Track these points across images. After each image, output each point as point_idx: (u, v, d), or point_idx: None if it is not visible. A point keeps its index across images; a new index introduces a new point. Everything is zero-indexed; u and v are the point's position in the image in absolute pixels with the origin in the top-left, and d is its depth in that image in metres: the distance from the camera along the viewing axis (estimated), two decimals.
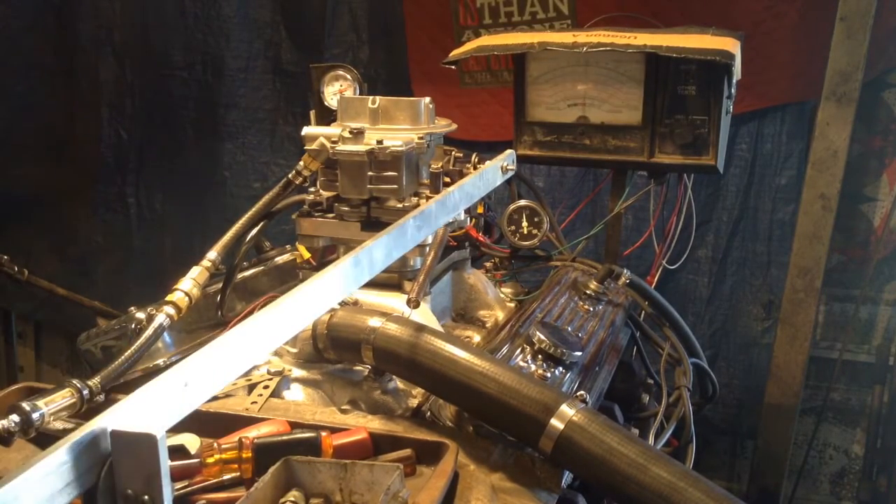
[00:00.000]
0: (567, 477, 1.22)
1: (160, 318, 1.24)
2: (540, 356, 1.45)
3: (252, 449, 1.10)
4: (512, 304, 1.94)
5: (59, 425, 1.13)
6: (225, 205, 3.62)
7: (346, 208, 1.63)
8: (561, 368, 1.45)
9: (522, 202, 2.00)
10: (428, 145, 1.63)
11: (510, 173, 1.64)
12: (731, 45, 1.94)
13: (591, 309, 1.83)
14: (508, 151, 1.64)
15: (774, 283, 3.08)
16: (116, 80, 3.61)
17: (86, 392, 1.06)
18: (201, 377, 0.80)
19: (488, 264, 2.09)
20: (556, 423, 1.14)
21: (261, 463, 1.07)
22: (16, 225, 3.76)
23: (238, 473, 1.10)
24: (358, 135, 1.57)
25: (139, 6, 3.53)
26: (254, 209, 1.53)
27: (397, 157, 1.56)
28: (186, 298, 1.29)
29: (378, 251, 1.11)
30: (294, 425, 1.21)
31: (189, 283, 1.31)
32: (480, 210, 1.96)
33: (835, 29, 2.63)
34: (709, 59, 1.90)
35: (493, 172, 1.58)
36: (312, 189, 1.66)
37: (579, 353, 1.48)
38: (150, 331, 1.22)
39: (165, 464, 0.70)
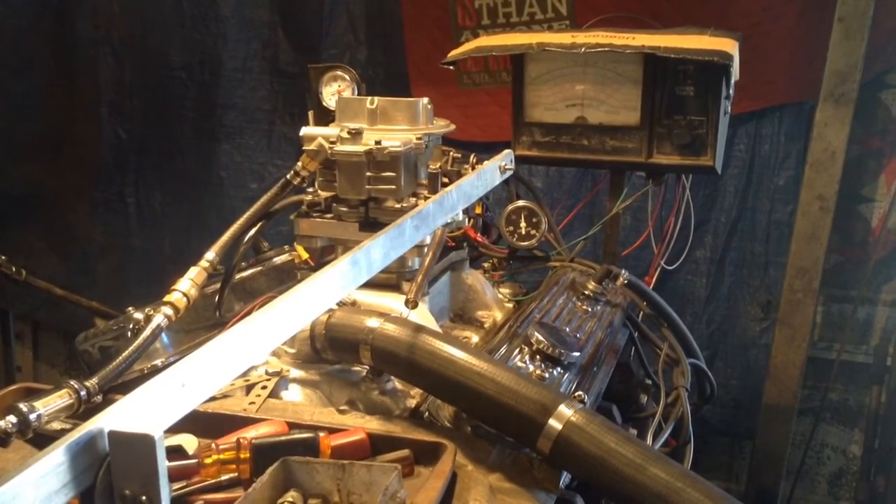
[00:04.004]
0: (565, 477, 1.22)
1: (158, 319, 1.24)
2: (538, 356, 1.45)
3: (250, 449, 1.10)
4: (510, 305, 1.94)
5: (56, 426, 1.13)
6: (222, 205, 3.62)
7: (345, 209, 1.63)
8: (559, 369, 1.45)
9: (521, 202, 2.00)
10: (426, 146, 1.63)
11: (508, 173, 1.63)
12: (730, 46, 1.95)
13: (590, 309, 1.83)
14: (506, 151, 1.64)
15: (772, 283, 3.08)
16: (115, 80, 3.61)
17: (83, 393, 1.06)
18: (199, 377, 0.80)
19: (486, 265, 2.09)
20: (555, 424, 1.14)
21: (259, 463, 1.07)
22: (15, 225, 3.76)
23: (236, 474, 1.10)
24: (356, 135, 1.57)
25: (138, 6, 3.53)
26: (252, 209, 1.53)
27: (395, 157, 1.56)
28: (184, 299, 1.29)
29: (376, 251, 1.11)
30: (292, 426, 1.21)
31: (187, 284, 1.31)
32: (479, 210, 1.96)
33: (833, 30, 2.63)
34: (707, 59, 1.90)
35: (491, 172, 1.58)
36: (311, 189, 1.66)
37: (577, 354, 1.48)
38: (147, 331, 1.22)
39: (163, 464, 0.70)
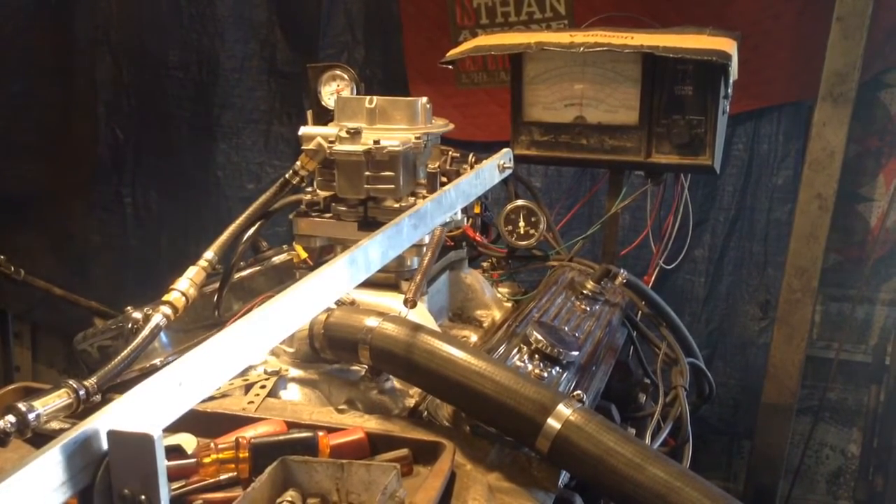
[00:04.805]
0: (564, 476, 1.22)
1: (157, 318, 1.24)
2: (537, 356, 1.45)
3: (249, 449, 1.10)
4: (509, 304, 1.94)
5: (55, 426, 1.13)
6: (219, 206, 3.62)
7: (344, 208, 1.63)
8: (558, 368, 1.45)
9: (519, 202, 2.00)
10: (425, 145, 1.63)
11: (507, 172, 1.63)
12: (728, 46, 1.95)
13: (588, 309, 1.83)
14: (505, 150, 1.64)
15: (771, 282, 3.08)
16: (113, 79, 3.60)
17: (82, 392, 1.05)
18: (197, 377, 0.80)
19: (485, 264, 2.09)
20: (553, 423, 1.14)
21: (258, 463, 1.07)
22: (12, 224, 3.76)
23: (235, 473, 1.10)
24: (355, 135, 1.57)
25: (135, 6, 3.52)
26: (251, 209, 1.53)
27: (394, 156, 1.56)
28: (183, 298, 1.29)
29: (374, 250, 1.11)
30: (291, 425, 1.21)
31: (186, 283, 1.31)
32: (477, 210, 1.96)
33: (831, 29, 2.63)
34: (706, 59, 1.90)
35: (489, 171, 1.58)
36: (309, 189, 1.66)
37: (576, 353, 1.48)
38: (146, 331, 1.22)
39: (162, 463, 0.70)
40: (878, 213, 3.03)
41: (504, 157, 1.62)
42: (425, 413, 1.36)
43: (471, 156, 1.79)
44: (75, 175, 3.74)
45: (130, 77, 3.60)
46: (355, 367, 1.47)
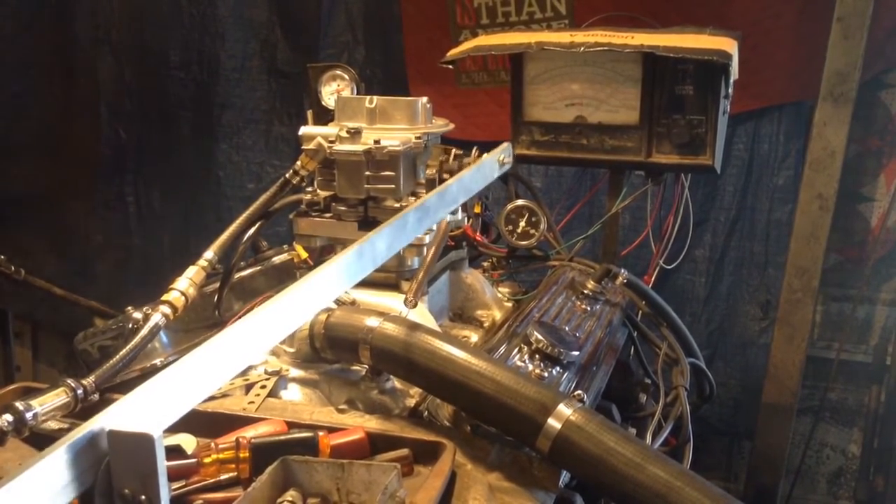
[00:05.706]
0: (564, 476, 1.22)
1: (156, 318, 1.24)
2: (537, 356, 1.45)
3: (249, 449, 1.09)
4: (509, 304, 1.94)
5: (53, 425, 1.13)
6: (219, 205, 3.62)
7: (344, 208, 1.63)
8: (558, 368, 1.45)
9: (520, 202, 2.00)
10: (425, 145, 1.63)
11: (507, 166, 1.64)
12: (729, 45, 1.95)
13: (589, 308, 1.83)
14: (505, 144, 1.64)
15: (772, 282, 3.08)
16: (115, 79, 3.61)
17: (80, 391, 1.05)
18: (198, 377, 0.80)
19: (486, 264, 2.09)
20: (554, 423, 1.14)
21: (258, 463, 1.07)
22: (15, 224, 3.76)
23: (235, 473, 1.10)
24: (355, 134, 1.57)
25: (136, 6, 3.53)
26: (251, 209, 1.52)
27: (395, 156, 1.56)
28: (183, 298, 1.29)
29: (381, 243, 1.11)
30: (291, 425, 1.21)
31: (185, 283, 1.31)
32: (478, 210, 1.96)
33: (832, 29, 2.63)
34: (706, 59, 1.90)
35: (490, 165, 1.59)
36: (309, 189, 1.66)
37: (577, 353, 1.48)
38: (145, 330, 1.22)
39: (162, 463, 0.70)
40: (879, 213, 3.03)
41: (504, 151, 1.62)
42: (426, 413, 1.36)
43: (474, 149, 1.78)
44: (77, 175, 3.74)
45: (132, 77, 3.60)
46: (356, 367, 1.47)
